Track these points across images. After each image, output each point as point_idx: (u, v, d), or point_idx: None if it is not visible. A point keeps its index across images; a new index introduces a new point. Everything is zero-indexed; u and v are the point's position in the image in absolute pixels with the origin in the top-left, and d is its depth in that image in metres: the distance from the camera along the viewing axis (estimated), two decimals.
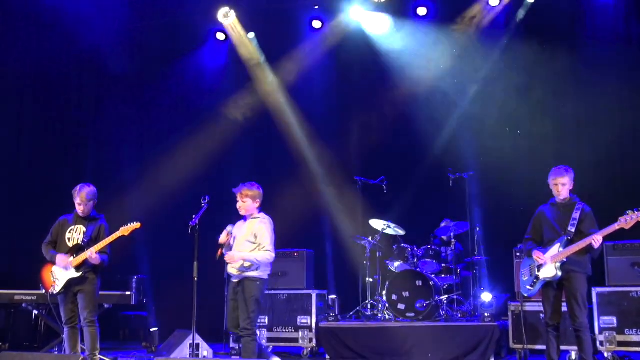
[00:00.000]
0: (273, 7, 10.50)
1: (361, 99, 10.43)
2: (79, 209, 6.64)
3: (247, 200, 6.34)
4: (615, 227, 5.75)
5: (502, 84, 9.65)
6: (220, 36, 10.89)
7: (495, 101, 9.60)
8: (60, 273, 6.51)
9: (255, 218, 6.40)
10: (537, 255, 6.07)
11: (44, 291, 6.69)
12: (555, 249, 5.99)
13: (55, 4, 9.84)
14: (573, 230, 5.95)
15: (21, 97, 10.58)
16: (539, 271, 6.06)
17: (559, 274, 5.94)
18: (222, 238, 6.35)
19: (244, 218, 6.46)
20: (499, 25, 9.91)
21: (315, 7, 10.38)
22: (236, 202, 6.42)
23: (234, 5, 10.33)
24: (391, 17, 10.25)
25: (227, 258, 6.25)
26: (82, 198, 6.59)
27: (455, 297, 8.34)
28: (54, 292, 6.53)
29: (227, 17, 10.45)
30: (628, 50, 9.14)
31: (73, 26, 10.13)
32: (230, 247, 6.37)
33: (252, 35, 10.80)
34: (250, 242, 6.28)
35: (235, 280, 6.31)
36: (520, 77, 9.65)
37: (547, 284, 6.05)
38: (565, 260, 5.92)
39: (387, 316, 8.28)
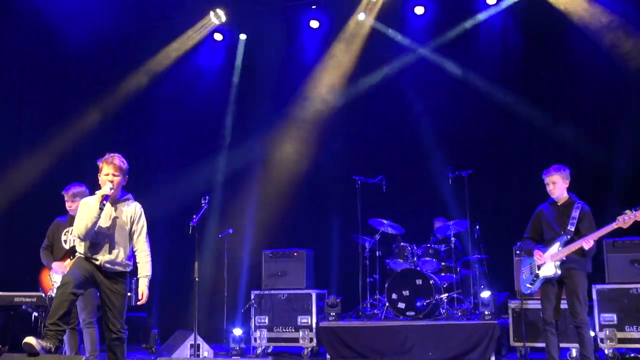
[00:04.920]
0: (270, 7, 10.50)
1: (360, 97, 10.41)
2: (69, 208, 6.58)
3: (119, 178, 5.44)
4: (614, 226, 5.79)
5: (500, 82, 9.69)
6: (218, 36, 10.88)
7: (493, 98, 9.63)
8: (58, 276, 6.50)
9: (128, 200, 5.57)
10: (537, 255, 6.09)
11: (43, 295, 6.68)
12: (555, 247, 6.02)
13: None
14: (573, 229, 5.99)
15: (20, 98, 10.56)
16: (539, 269, 6.09)
17: (559, 272, 5.98)
18: (107, 190, 5.34)
19: (105, 197, 5.33)
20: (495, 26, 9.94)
21: (313, 7, 10.36)
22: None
23: (225, 8, 10.33)
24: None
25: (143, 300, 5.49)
26: (68, 196, 6.57)
27: (455, 295, 8.33)
28: (52, 295, 6.51)
29: (218, 17, 10.47)
30: None
31: (64, 25, 10.09)
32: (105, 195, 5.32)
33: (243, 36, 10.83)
34: (127, 229, 5.48)
35: (107, 272, 5.39)
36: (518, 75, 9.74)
37: (547, 281, 6.09)
38: (564, 258, 5.96)
39: (387, 315, 8.28)
